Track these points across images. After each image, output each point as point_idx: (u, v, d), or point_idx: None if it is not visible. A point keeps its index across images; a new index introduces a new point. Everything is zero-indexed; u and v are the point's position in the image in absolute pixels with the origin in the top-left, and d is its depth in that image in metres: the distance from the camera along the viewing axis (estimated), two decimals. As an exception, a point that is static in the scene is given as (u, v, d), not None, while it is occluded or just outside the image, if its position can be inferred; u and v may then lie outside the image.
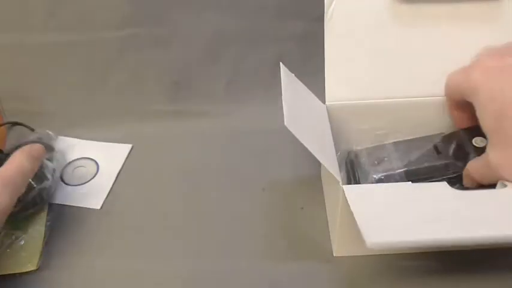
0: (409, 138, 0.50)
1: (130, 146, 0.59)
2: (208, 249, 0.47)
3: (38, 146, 0.47)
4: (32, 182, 0.49)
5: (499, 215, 0.36)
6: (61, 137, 0.58)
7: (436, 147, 0.47)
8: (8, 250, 0.47)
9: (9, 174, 0.42)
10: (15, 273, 0.45)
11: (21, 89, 0.60)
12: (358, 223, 0.34)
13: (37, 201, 0.49)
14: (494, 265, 0.44)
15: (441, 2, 0.45)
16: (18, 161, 0.43)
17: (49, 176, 0.51)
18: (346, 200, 0.37)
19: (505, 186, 0.39)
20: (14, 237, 0.48)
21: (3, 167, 0.42)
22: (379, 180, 0.45)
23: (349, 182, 0.47)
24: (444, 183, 0.40)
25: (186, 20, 0.57)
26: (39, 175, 0.49)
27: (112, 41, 0.57)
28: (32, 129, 0.57)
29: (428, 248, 0.45)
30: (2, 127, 0.59)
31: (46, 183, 0.50)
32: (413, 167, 0.45)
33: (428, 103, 0.47)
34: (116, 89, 0.60)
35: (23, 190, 0.43)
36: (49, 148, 0.53)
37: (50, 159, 0.52)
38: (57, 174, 0.54)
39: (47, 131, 0.56)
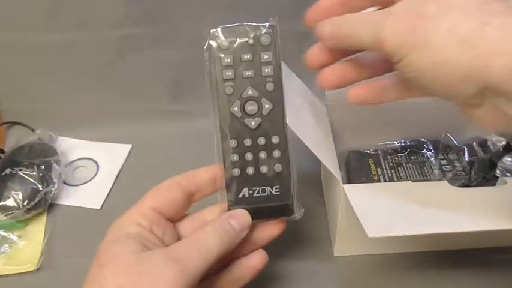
0: (408, 138, 0.50)
1: (130, 146, 0.59)
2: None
3: (241, 216, 0.36)
4: (39, 186, 0.49)
5: (498, 211, 0.36)
6: (61, 137, 0.58)
7: None
8: (8, 251, 0.47)
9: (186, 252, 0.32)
10: (15, 273, 0.45)
11: (21, 89, 0.60)
12: (359, 217, 0.34)
13: (42, 204, 0.49)
14: (493, 264, 0.44)
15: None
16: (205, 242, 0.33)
17: (55, 179, 0.51)
18: (347, 199, 0.37)
19: (505, 183, 0.39)
20: (14, 238, 0.48)
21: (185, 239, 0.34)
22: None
23: (349, 182, 0.47)
24: (444, 182, 0.40)
25: (186, 20, 0.57)
26: (46, 179, 0.50)
27: (112, 41, 0.57)
28: (33, 130, 0.57)
29: (428, 245, 0.45)
30: (1, 127, 0.59)
31: (51, 187, 0.50)
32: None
33: (429, 103, 0.47)
34: (116, 89, 0.60)
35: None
36: (53, 151, 0.53)
37: (57, 163, 0.52)
38: (62, 177, 0.54)
39: (49, 132, 0.56)
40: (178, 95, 0.61)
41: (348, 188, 0.39)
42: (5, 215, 0.48)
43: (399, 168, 0.48)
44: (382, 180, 0.47)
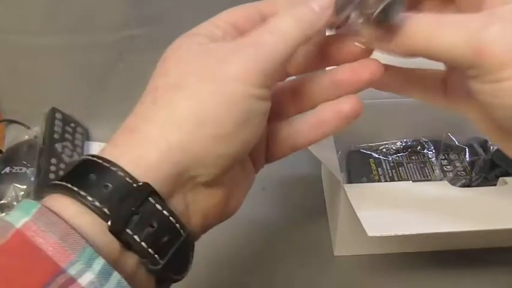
0: (409, 138, 0.50)
1: (130, 146, 0.58)
2: (207, 248, 0.46)
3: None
4: None
5: (498, 211, 0.36)
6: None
7: None
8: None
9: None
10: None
11: (21, 89, 0.60)
12: (359, 216, 0.34)
13: None
14: (494, 264, 0.44)
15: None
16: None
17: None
18: (347, 199, 0.37)
19: (506, 183, 0.39)
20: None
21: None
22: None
23: (349, 181, 0.47)
24: (445, 182, 0.40)
25: (186, 22, 0.57)
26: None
27: (112, 42, 0.57)
28: (28, 127, 0.57)
29: (428, 245, 0.45)
30: (0, 125, 0.59)
31: None
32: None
33: (429, 104, 0.47)
34: (116, 90, 0.60)
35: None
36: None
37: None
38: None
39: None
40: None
41: (348, 187, 0.39)
42: (5, 214, 0.48)
43: (400, 168, 0.48)
44: (382, 180, 0.47)
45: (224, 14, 0.29)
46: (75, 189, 0.22)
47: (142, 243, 0.22)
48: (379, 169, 0.48)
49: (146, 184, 0.22)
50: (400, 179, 0.47)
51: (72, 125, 0.57)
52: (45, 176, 0.48)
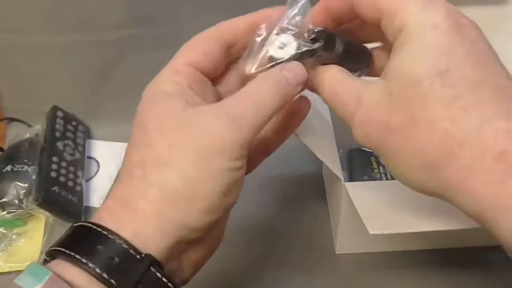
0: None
1: (131, 144, 0.58)
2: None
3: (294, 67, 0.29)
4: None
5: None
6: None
7: None
8: (8, 248, 0.47)
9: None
10: (15, 271, 0.45)
11: (22, 88, 0.60)
12: (360, 214, 0.34)
13: None
14: (495, 262, 0.44)
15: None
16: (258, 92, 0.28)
17: None
18: (349, 197, 0.37)
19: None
20: (14, 236, 0.48)
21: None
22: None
23: (351, 180, 0.47)
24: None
25: (187, 21, 0.57)
26: None
27: (113, 41, 0.57)
28: (29, 125, 0.57)
29: (429, 243, 0.45)
30: (2, 123, 0.59)
31: None
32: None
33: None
34: (117, 89, 0.60)
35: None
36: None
37: None
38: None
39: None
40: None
41: (349, 186, 0.39)
42: (7, 213, 0.48)
43: (401, 166, 0.48)
44: (384, 178, 0.47)
45: (181, 54, 0.31)
46: (84, 260, 0.24)
47: None
48: (381, 167, 0.48)
49: (148, 255, 0.25)
50: (402, 177, 0.47)
51: (74, 123, 0.57)
52: (46, 174, 0.49)
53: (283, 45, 0.29)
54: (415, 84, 0.25)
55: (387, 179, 0.47)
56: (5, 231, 0.48)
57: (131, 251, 0.24)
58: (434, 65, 0.24)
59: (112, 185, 0.54)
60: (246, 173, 0.30)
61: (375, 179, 0.47)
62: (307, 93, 0.32)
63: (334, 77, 0.29)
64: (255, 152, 0.32)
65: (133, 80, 0.60)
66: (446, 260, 0.44)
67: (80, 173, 0.52)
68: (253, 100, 0.27)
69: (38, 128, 0.55)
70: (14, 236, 0.47)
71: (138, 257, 0.24)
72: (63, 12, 0.54)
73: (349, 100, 0.28)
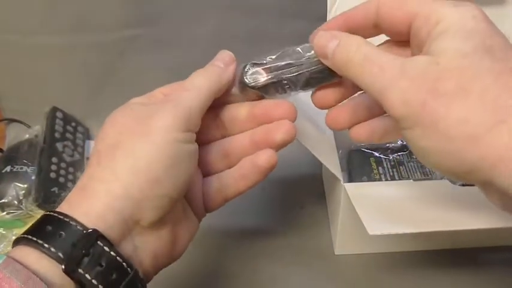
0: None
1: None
2: (207, 248, 0.46)
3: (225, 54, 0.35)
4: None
5: (499, 209, 0.36)
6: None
7: None
8: (7, 249, 0.47)
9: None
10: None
11: (21, 88, 0.60)
12: (360, 215, 0.34)
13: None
14: (495, 263, 0.44)
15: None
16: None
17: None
18: (348, 198, 0.37)
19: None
20: (13, 236, 0.48)
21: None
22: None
23: (350, 180, 0.47)
24: (446, 181, 0.40)
25: (186, 21, 0.57)
26: None
27: (112, 42, 0.57)
28: (29, 126, 0.57)
29: (429, 244, 0.45)
30: (1, 124, 0.59)
31: None
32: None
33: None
34: (116, 90, 0.60)
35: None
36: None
37: None
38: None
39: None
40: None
41: (349, 186, 0.39)
42: (6, 213, 0.48)
43: (400, 167, 0.48)
44: (383, 179, 0.47)
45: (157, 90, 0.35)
46: (34, 239, 0.26)
47: (93, 281, 0.26)
48: (380, 168, 0.48)
49: (95, 230, 0.27)
50: (401, 177, 0.47)
51: (73, 124, 0.57)
52: (45, 175, 0.49)
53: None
54: (464, 56, 0.25)
55: (386, 179, 0.47)
56: (4, 232, 0.48)
57: (78, 227, 0.27)
58: (481, 42, 0.25)
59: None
60: (209, 211, 0.35)
61: (374, 180, 0.47)
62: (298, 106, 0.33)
63: (368, 47, 0.29)
64: (215, 194, 0.35)
65: (133, 80, 0.60)
66: (446, 261, 0.44)
67: (79, 174, 0.52)
68: (189, 86, 0.32)
69: (38, 128, 0.55)
70: (14, 237, 0.47)
71: (84, 231, 0.26)
72: (62, 13, 0.54)
73: (389, 66, 0.27)
